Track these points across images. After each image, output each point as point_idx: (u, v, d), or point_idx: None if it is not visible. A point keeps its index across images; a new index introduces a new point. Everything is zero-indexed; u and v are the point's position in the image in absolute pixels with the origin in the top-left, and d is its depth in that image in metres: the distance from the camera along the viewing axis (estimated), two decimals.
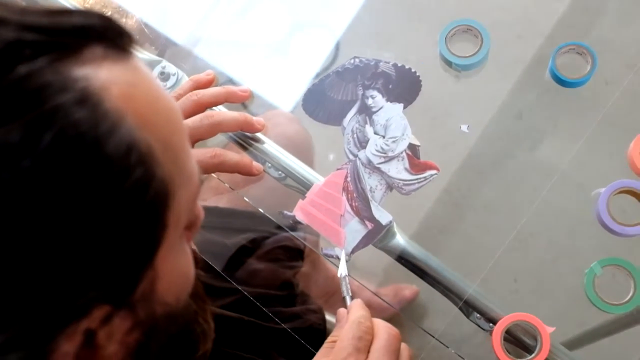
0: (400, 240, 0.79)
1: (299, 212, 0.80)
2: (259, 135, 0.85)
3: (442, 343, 0.77)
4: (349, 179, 0.81)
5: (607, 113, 0.82)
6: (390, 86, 0.84)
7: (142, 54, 0.87)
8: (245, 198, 0.85)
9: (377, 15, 1.03)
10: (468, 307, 0.78)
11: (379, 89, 0.84)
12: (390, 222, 0.79)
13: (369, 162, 0.81)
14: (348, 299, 0.73)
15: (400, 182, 0.80)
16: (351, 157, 0.82)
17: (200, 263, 0.60)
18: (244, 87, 0.84)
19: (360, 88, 0.84)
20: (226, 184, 0.87)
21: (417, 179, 0.80)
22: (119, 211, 0.41)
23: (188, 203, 0.47)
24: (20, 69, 0.39)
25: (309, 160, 0.88)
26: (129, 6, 0.95)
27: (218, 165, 0.78)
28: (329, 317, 0.93)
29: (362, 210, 0.79)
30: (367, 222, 0.79)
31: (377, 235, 0.78)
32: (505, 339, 0.74)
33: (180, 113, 0.49)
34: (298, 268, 0.94)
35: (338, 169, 0.82)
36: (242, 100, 0.84)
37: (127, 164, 0.41)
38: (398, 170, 0.80)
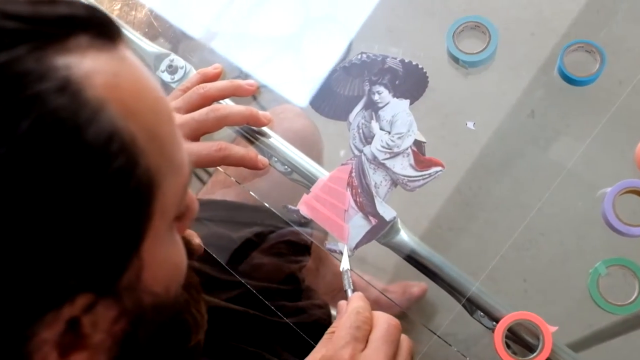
0: (404, 236, 0.79)
1: (303, 207, 0.80)
2: (265, 129, 0.85)
3: (444, 341, 0.77)
4: (353, 174, 0.81)
5: (618, 112, 0.81)
6: (397, 82, 0.84)
7: (150, 47, 0.88)
8: (250, 192, 0.85)
9: (390, 11, 1.03)
10: (472, 305, 0.77)
11: (386, 84, 0.84)
12: (394, 218, 0.79)
13: (374, 157, 0.81)
14: (350, 292, 0.74)
15: (405, 178, 0.80)
16: (356, 152, 0.82)
17: (195, 254, 0.60)
18: (250, 80, 0.84)
19: (367, 83, 0.84)
20: (232, 178, 0.87)
21: (421, 175, 0.80)
22: (101, 199, 0.41)
23: (177, 193, 0.47)
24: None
25: (316, 155, 0.88)
26: None
27: (223, 158, 0.79)
28: (334, 313, 0.93)
29: (366, 206, 0.79)
30: (371, 218, 0.79)
31: (381, 231, 0.78)
32: (508, 338, 0.74)
33: (169, 104, 0.49)
34: (304, 263, 0.94)
35: (343, 164, 0.82)
36: (249, 94, 0.84)
37: (108, 152, 0.41)
38: (403, 166, 0.80)
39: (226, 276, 0.86)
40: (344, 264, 0.76)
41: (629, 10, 0.96)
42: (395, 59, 0.85)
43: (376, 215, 0.79)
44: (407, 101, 0.83)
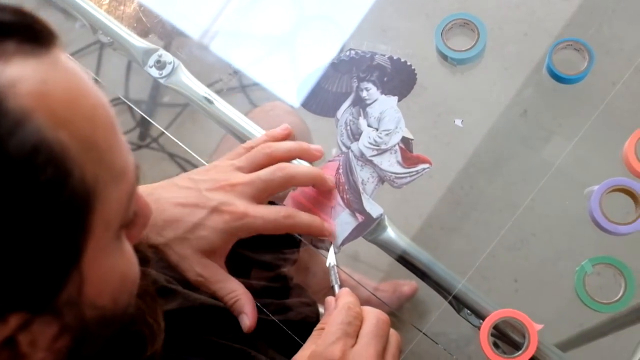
0: (391, 233, 0.79)
1: (289, 202, 0.80)
2: (256, 127, 0.85)
3: (431, 339, 0.77)
4: (341, 170, 0.80)
5: (609, 111, 0.81)
6: (385, 79, 0.83)
7: (139, 42, 0.88)
8: None
9: (383, 11, 1.03)
10: (459, 303, 0.77)
11: (374, 81, 0.83)
12: (381, 215, 0.79)
13: (362, 154, 0.81)
14: (337, 287, 0.74)
15: (392, 175, 0.80)
16: (344, 149, 0.82)
17: (152, 261, 0.58)
18: (318, 146, 0.80)
19: (355, 80, 0.84)
20: None
21: (409, 172, 0.80)
22: (29, 214, 0.39)
23: (120, 201, 0.45)
24: None
25: None
26: None
27: (290, 227, 0.75)
28: (322, 310, 0.92)
29: (353, 203, 0.79)
30: (357, 215, 0.79)
31: (368, 227, 0.78)
32: (496, 337, 0.74)
33: (110, 108, 0.46)
34: (293, 260, 0.94)
35: (330, 161, 0.81)
36: (314, 160, 0.80)
37: (33, 164, 0.39)
38: (390, 163, 0.80)
39: None
40: (330, 260, 0.76)
41: (621, 11, 0.96)
42: (384, 55, 0.85)
43: (363, 212, 0.79)
44: (395, 98, 0.82)
